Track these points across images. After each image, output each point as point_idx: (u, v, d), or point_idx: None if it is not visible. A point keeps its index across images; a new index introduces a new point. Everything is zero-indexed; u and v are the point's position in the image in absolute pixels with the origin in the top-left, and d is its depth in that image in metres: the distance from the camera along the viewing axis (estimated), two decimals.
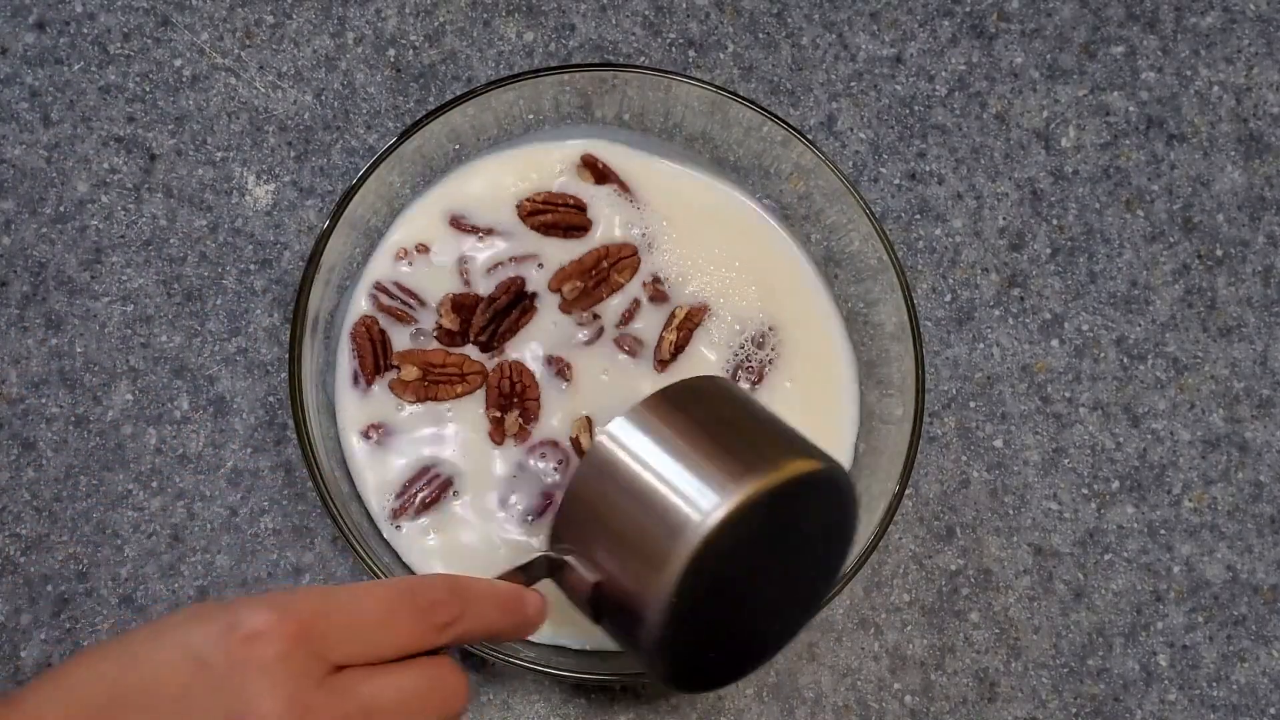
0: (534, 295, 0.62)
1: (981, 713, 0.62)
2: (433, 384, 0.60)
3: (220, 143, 0.66)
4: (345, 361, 0.61)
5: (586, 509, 0.48)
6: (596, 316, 0.62)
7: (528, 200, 0.63)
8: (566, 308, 0.62)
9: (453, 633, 0.45)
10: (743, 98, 0.62)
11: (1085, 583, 0.64)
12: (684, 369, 0.62)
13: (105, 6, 0.68)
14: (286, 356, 0.61)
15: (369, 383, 0.60)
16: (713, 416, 0.50)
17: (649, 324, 0.63)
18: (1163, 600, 0.64)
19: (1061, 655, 0.63)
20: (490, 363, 0.61)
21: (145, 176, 0.66)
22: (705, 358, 0.62)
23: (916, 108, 0.69)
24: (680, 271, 0.63)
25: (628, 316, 0.62)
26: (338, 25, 0.68)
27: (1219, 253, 0.68)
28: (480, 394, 0.61)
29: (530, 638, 0.58)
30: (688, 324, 0.62)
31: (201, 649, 0.41)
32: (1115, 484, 0.65)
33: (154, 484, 0.62)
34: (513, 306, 0.62)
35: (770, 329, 0.63)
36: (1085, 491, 0.65)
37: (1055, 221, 0.68)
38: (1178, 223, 0.69)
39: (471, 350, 0.61)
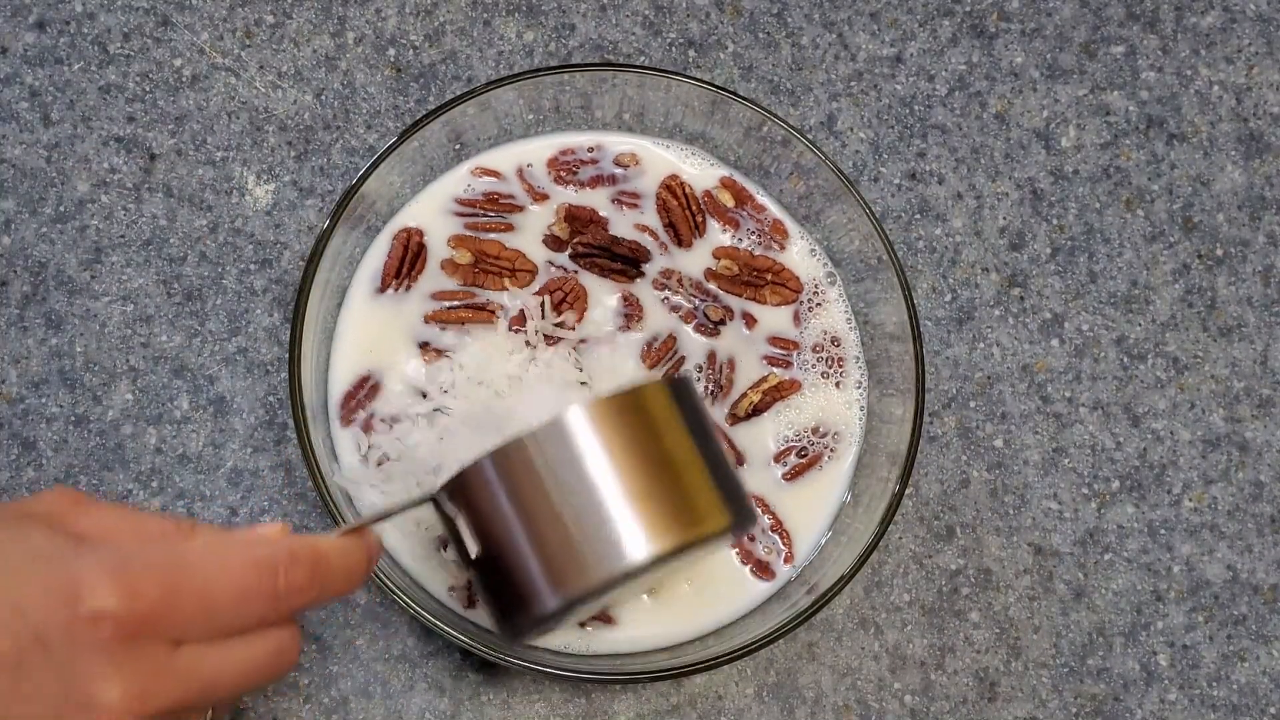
0: (643, 272, 0.62)
1: (981, 713, 0.62)
2: (483, 272, 0.61)
3: (220, 143, 0.66)
4: (372, 261, 0.62)
5: (502, 490, 0.48)
6: (728, 313, 0.62)
7: (664, 185, 0.64)
8: (710, 276, 0.62)
9: (302, 610, 0.44)
10: (743, 97, 0.62)
11: (1085, 583, 0.64)
12: (748, 435, 0.61)
13: (105, 6, 0.68)
14: (286, 356, 0.61)
15: (385, 285, 0.61)
16: (655, 446, 0.49)
17: (747, 364, 0.62)
18: (1163, 600, 0.64)
19: (1061, 655, 0.63)
20: (555, 270, 0.62)
21: (145, 176, 0.66)
22: (766, 444, 0.61)
23: (916, 108, 0.69)
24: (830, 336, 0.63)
25: (726, 356, 0.62)
26: (338, 25, 0.68)
27: (1219, 252, 0.68)
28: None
29: (530, 638, 0.58)
30: (775, 394, 0.61)
31: (40, 619, 0.39)
32: (1115, 484, 0.65)
33: (154, 484, 0.62)
34: (620, 259, 0.62)
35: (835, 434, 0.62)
36: (1085, 491, 0.65)
37: (1055, 221, 0.68)
38: (1178, 222, 0.69)
39: (561, 257, 0.62)
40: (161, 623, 0.40)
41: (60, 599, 0.39)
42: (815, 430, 0.61)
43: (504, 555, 0.48)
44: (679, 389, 0.51)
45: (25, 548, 0.40)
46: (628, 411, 0.49)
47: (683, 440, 0.50)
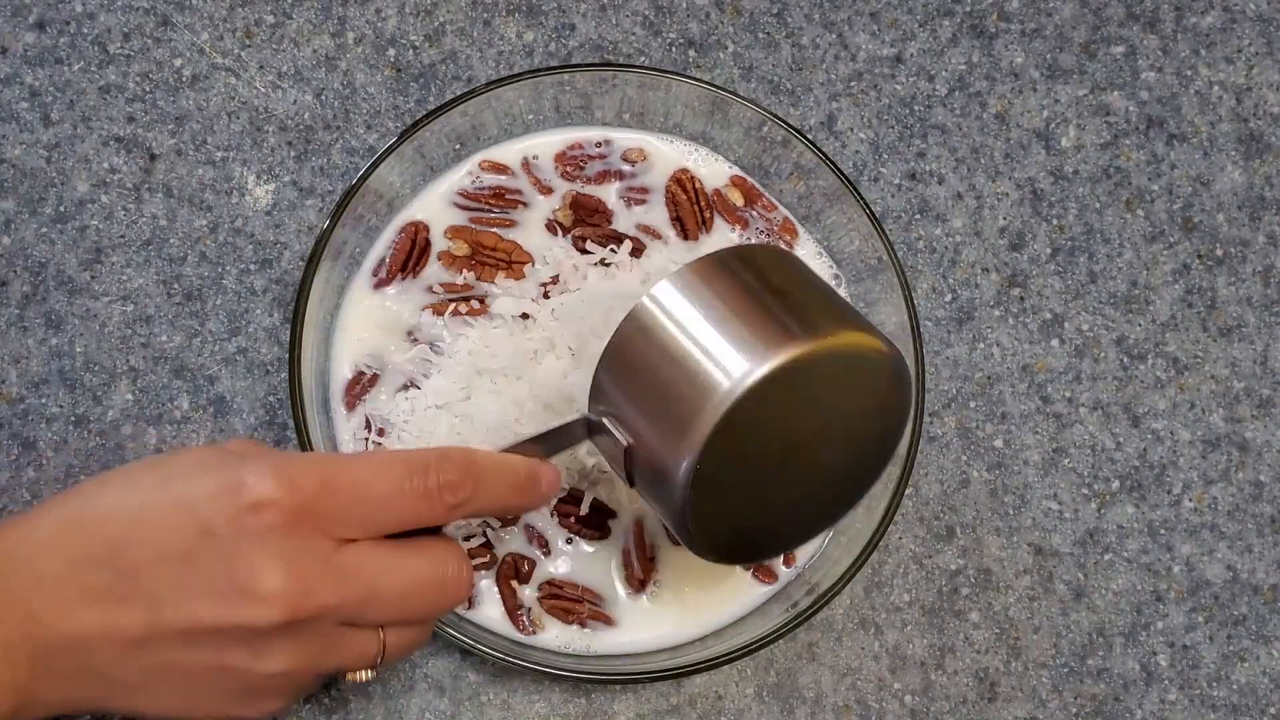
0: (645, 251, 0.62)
1: (981, 713, 0.62)
2: (480, 264, 0.62)
3: (220, 143, 0.66)
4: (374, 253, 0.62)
5: (625, 370, 0.47)
6: None
7: (674, 179, 0.64)
8: None
9: (461, 512, 0.44)
10: (743, 98, 0.62)
11: (1085, 583, 0.64)
12: None
13: (105, 6, 0.68)
14: (286, 356, 0.61)
15: (390, 278, 0.61)
16: (763, 283, 0.48)
17: None
18: (1163, 600, 0.64)
19: (1061, 655, 0.63)
20: (560, 262, 0.62)
21: (145, 176, 0.66)
22: None
23: (916, 108, 0.69)
24: None
25: None
26: (338, 25, 0.68)
27: (1219, 253, 0.68)
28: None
29: (532, 639, 0.58)
30: None
31: (207, 513, 0.41)
32: (1115, 484, 0.65)
33: None
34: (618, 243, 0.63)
35: None
36: (1085, 491, 0.65)
37: (1055, 221, 0.68)
38: (1178, 223, 0.69)
39: (561, 242, 0.62)
40: (320, 513, 0.42)
41: (226, 494, 0.41)
42: None
43: (648, 436, 0.46)
44: (788, 257, 0.51)
45: (195, 460, 0.44)
46: (739, 261, 0.48)
47: (803, 288, 0.48)
